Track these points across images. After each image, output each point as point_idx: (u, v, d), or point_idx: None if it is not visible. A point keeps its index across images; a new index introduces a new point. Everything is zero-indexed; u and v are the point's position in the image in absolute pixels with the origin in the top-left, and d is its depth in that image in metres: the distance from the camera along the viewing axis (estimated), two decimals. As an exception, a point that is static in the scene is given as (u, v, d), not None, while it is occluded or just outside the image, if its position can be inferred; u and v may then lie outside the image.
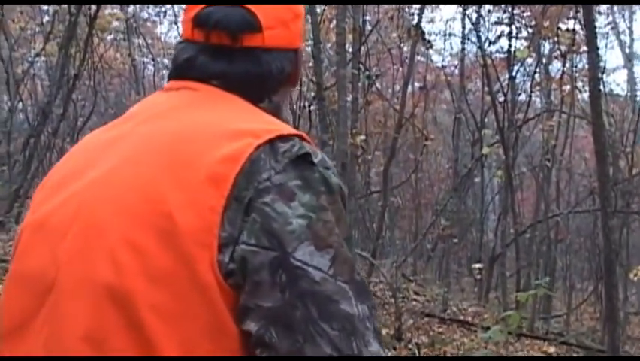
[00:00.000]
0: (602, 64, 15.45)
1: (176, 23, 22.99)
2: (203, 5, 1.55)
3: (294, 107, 16.09)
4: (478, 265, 15.94)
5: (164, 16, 23.79)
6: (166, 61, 22.31)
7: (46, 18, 17.40)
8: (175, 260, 1.26)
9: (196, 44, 1.55)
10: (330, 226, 1.33)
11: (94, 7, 12.64)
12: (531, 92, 18.04)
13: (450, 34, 21.58)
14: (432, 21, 21.40)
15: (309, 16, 13.43)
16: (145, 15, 24.03)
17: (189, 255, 1.26)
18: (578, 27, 14.92)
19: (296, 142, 1.39)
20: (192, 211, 1.28)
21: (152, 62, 23.64)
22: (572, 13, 15.31)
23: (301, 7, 1.66)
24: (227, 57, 1.53)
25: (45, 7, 17.58)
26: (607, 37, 22.05)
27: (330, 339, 1.26)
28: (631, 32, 27.51)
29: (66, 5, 12.77)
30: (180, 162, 1.34)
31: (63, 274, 1.34)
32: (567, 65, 16.86)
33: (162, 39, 25.24)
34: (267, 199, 1.30)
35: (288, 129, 1.41)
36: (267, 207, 1.29)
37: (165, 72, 20.45)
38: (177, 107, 1.49)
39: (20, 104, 18.32)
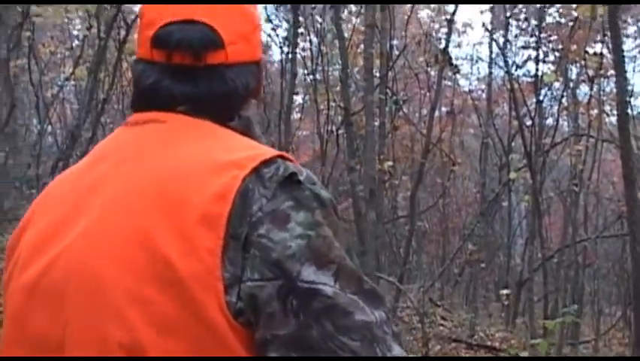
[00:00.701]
0: (630, 87, 15.40)
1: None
2: (160, 24, 1.50)
3: (322, 131, 16.11)
4: (505, 291, 15.87)
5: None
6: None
7: (75, 42, 17.55)
8: (182, 308, 1.25)
9: (157, 66, 1.51)
10: (329, 240, 1.32)
11: (123, 31, 12.72)
12: (558, 116, 18.03)
13: (477, 59, 21.63)
14: (459, 45, 21.48)
15: (336, 41, 13.48)
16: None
17: (196, 301, 1.25)
18: (605, 51, 14.89)
19: (279, 164, 1.37)
20: (191, 256, 1.26)
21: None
22: (599, 37, 15.28)
23: (258, 18, 1.63)
24: (191, 78, 1.49)
25: (75, 32, 17.74)
26: (634, 61, 21.86)
27: (353, 351, 1.25)
28: (659, 56, 27.37)
29: (95, 30, 12.86)
30: (171, 206, 1.31)
31: (71, 337, 1.32)
32: (595, 88, 16.80)
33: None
34: (262, 231, 1.29)
35: (269, 152, 1.40)
36: (264, 238, 1.28)
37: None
38: (151, 144, 1.45)
39: (49, 127, 18.42)
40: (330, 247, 1.31)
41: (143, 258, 1.28)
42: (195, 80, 1.49)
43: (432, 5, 19.87)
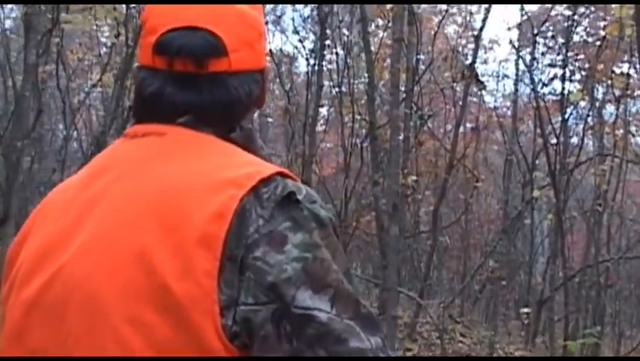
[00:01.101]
0: (656, 109, 15.34)
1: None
2: (163, 31, 1.48)
3: (346, 144, 16.10)
4: (526, 310, 15.79)
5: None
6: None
7: (103, 50, 17.63)
8: (179, 330, 1.25)
9: (159, 73, 1.49)
10: (326, 263, 1.30)
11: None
12: (584, 135, 17.93)
13: (503, 76, 21.58)
14: (485, 62, 21.43)
15: (362, 55, 13.49)
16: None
17: (193, 323, 1.24)
18: (632, 71, 14.85)
19: (278, 182, 1.35)
20: (188, 279, 1.25)
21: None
22: (626, 57, 15.22)
23: (263, 26, 1.60)
24: (194, 86, 1.47)
25: (103, 39, 17.83)
26: (662, 82, 21.84)
27: None
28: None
29: (123, 38, 12.94)
30: (171, 224, 1.30)
31: (71, 354, 1.32)
32: (621, 108, 16.73)
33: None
34: (257, 253, 1.27)
35: (268, 169, 1.38)
36: (259, 261, 1.27)
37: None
38: (151, 158, 1.43)
39: (75, 133, 18.55)
40: (327, 270, 1.29)
41: (142, 278, 1.28)
42: (198, 88, 1.47)
43: (459, 21, 19.91)
